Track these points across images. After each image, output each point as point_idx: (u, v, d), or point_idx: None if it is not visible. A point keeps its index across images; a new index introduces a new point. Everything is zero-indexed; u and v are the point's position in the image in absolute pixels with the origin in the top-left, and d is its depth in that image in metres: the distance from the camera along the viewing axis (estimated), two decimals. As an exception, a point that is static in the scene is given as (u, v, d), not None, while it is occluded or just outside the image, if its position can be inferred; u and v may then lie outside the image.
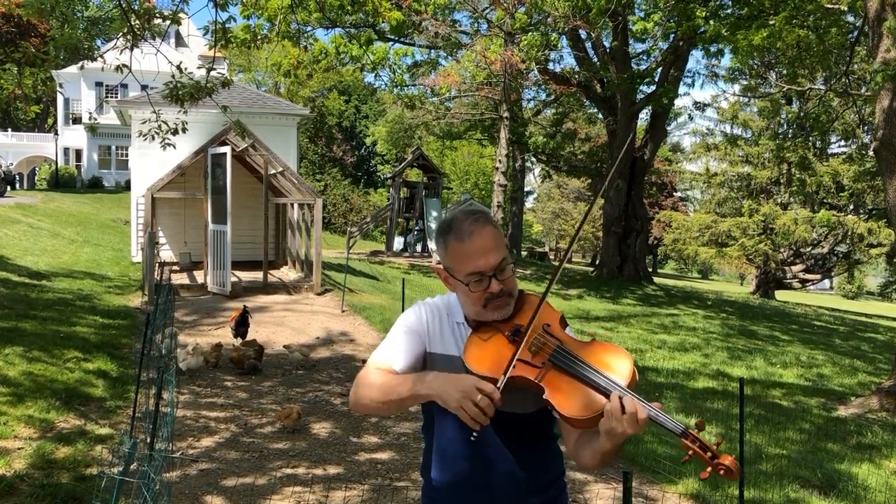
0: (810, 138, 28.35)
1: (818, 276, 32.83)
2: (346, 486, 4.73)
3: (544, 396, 1.66)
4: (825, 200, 29.92)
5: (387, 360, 1.78)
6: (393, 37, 22.97)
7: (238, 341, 8.78)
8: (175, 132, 7.06)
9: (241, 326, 8.93)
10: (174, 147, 7.33)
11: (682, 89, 41.32)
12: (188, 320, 10.29)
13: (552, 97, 29.44)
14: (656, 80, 23.89)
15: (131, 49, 6.08)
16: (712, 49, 19.67)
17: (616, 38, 22.27)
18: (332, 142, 45.29)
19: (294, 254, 15.41)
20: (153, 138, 7.10)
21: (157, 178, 12.60)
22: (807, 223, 27.77)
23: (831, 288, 59.90)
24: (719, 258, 30.93)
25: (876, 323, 21.93)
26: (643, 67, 23.85)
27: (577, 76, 26.10)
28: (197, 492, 4.47)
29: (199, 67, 8.10)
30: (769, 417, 7.66)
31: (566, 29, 20.54)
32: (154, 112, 6.90)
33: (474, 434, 1.61)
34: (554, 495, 1.89)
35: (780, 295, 32.04)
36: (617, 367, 1.66)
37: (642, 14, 20.25)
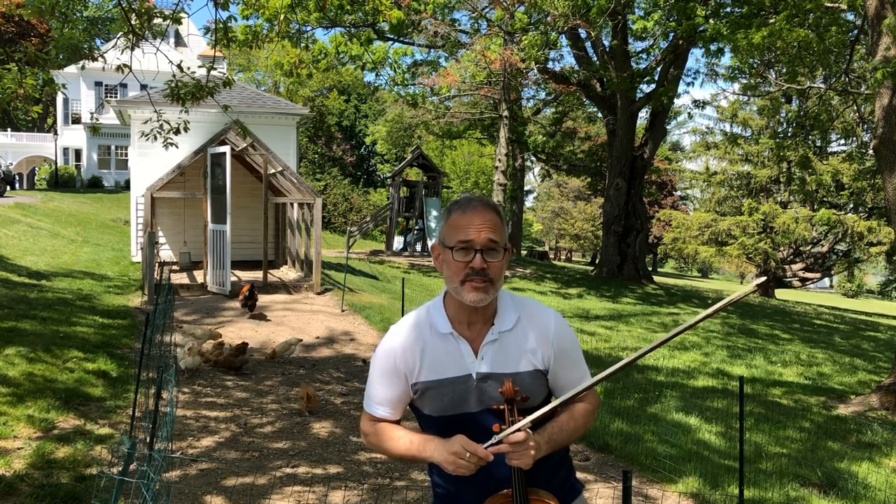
0: (810, 137, 28.35)
1: (818, 275, 32.81)
2: (346, 486, 4.73)
3: None
4: (825, 199, 29.91)
5: (381, 412, 1.89)
6: (392, 36, 22.96)
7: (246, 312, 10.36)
8: (177, 132, 7.05)
9: (249, 300, 10.18)
10: (176, 147, 7.33)
11: (681, 88, 41.31)
12: (188, 320, 10.28)
13: (552, 96, 29.44)
14: (656, 78, 23.89)
15: (132, 49, 6.06)
16: (712, 48, 19.68)
17: (616, 37, 22.25)
18: (332, 141, 45.28)
19: (294, 253, 15.41)
20: (155, 138, 7.09)
21: (156, 178, 12.59)
22: (807, 222, 27.77)
23: (831, 286, 59.91)
24: (719, 257, 30.91)
25: (876, 321, 21.94)
26: (643, 66, 23.86)
27: (576, 75, 26.10)
28: (197, 492, 4.47)
29: (199, 67, 8.09)
30: (769, 416, 7.67)
31: (566, 28, 20.53)
32: (156, 112, 6.89)
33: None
34: (563, 476, 1.94)
35: (780, 293, 32.04)
36: None
37: (642, 13, 20.26)
